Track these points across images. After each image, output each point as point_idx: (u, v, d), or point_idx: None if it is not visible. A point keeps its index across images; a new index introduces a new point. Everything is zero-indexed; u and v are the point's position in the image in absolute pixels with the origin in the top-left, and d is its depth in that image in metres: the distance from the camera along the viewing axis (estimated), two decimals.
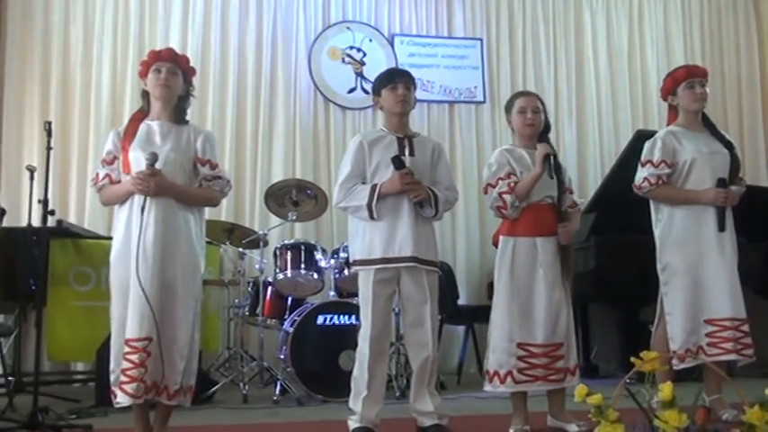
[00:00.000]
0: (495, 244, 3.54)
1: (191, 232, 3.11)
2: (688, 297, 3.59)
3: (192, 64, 3.32)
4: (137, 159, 3.04)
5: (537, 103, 3.54)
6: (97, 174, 3.16)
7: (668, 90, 3.82)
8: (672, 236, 3.67)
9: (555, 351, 3.37)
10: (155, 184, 2.97)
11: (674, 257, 3.64)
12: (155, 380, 2.94)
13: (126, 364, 2.91)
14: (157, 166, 3.00)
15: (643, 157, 3.74)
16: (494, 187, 3.43)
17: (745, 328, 3.56)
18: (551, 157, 3.40)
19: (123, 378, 2.91)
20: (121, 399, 2.92)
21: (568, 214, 3.50)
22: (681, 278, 3.61)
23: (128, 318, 2.94)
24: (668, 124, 3.85)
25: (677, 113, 3.82)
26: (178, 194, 3.09)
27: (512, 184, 3.39)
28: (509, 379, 3.34)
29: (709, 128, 3.80)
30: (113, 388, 2.97)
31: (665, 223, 3.71)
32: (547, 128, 3.57)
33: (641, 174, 3.72)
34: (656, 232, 3.75)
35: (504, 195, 3.39)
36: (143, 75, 3.20)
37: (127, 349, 2.92)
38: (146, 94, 3.22)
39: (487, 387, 3.42)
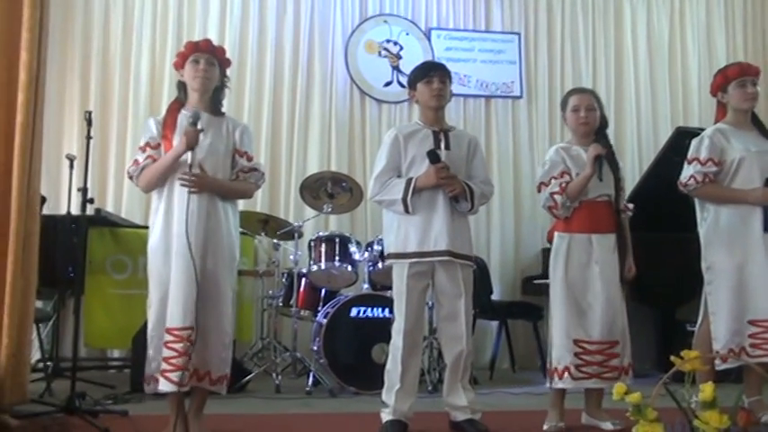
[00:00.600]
0: (550, 240, 3.52)
1: (229, 223, 3.15)
2: (733, 297, 3.52)
3: (229, 56, 3.34)
4: None
5: (592, 101, 3.49)
6: (136, 159, 3.13)
7: (719, 87, 3.73)
8: (717, 235, 3.60)
9: (610, 349, 3.35)
10: (198, 180, 2.99)
11: (720, 257, 3.58)
12: (196, 367, 2.97)
13: (169, 353, 2.93)
14: (198, 156, 3.02)
15: (690, 155, 3.67)
16: (547, 186, 3.41)
17: None
18: (603, 158, 3.36)
19: (166, 366, 2.93)
20: (164, 386, 2.94)
21: (621, 218, 3.47)
22: (726, 278, 3.55)
23: (169, 307, 2.97)
24: (716, 121, 3.77)
25: (726, 111, 3.74)
26: (219, 189, 3.12)
27: (563, 185, 3.37)
28: (566, 375, 3.33)
29: (758, 127, 3.71)
30: (155, 375, 2.99)
31: (711, 222, 3.64)
32: (604, 124, 3.53)
33: (687, 171, 3.65)
34: (701, 231, 3.68)
35: (555, 195, 3.37)
36: (179, 66, 3.21)
37: (169, 338, 2.94)
38: (182, 85, 3.24)
39: (548, 383, 3.41)
